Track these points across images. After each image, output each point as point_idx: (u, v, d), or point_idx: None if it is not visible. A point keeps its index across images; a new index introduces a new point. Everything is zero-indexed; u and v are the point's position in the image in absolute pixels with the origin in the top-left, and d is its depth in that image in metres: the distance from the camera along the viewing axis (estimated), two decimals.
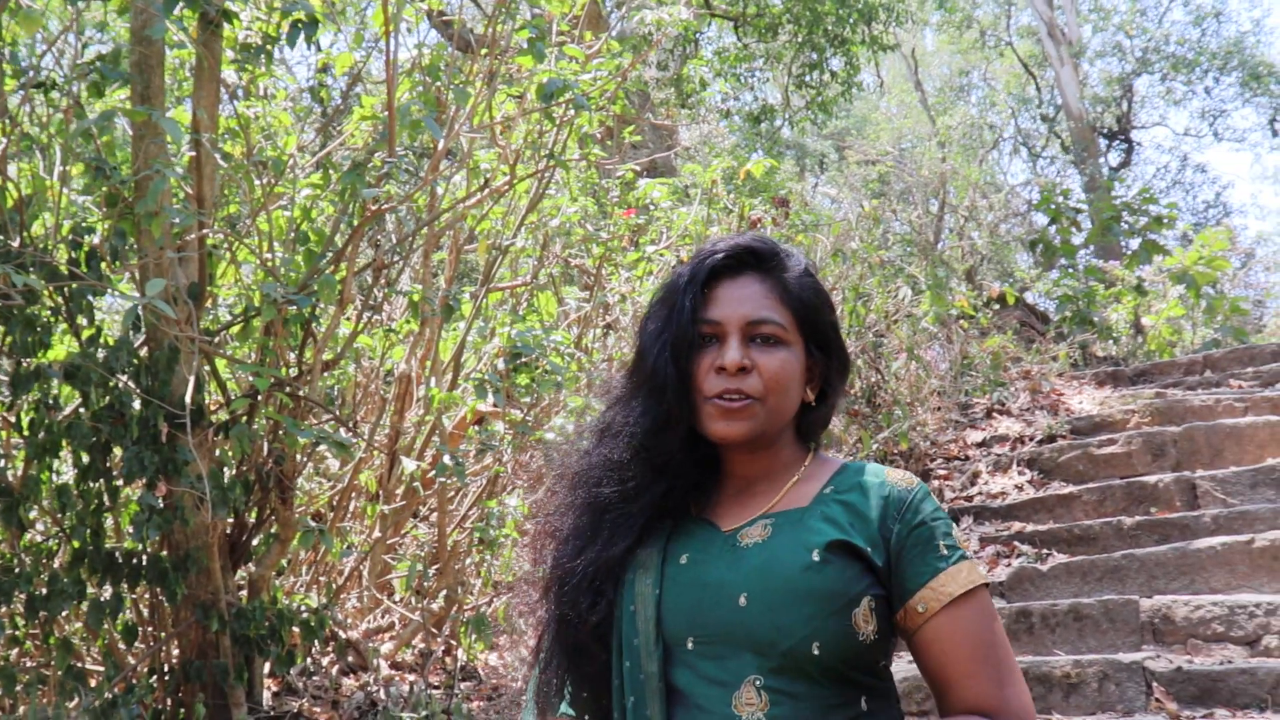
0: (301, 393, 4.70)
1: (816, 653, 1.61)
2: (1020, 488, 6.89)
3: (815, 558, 1.65)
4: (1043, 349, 10.02)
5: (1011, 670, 1.66)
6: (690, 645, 1.68)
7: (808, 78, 15.54)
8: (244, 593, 4.87)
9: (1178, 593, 5.11)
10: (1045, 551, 5.96)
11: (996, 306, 10.57)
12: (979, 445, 7.76)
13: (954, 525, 1.73)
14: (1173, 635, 4.80)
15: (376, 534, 5.65)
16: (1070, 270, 12.34)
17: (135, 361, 4.27)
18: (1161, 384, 8.46)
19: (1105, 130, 25.69)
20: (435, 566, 5.57)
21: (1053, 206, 12.61)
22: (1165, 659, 4.55)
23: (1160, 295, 11.41)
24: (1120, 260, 12.48)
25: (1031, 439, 7.57)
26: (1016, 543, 6.10)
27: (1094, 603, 5.03)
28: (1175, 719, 4.17)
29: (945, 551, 1.68)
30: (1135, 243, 12.08)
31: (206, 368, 4.67)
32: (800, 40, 14.73)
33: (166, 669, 4.66)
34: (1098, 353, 10.85)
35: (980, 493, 6.97)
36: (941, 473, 7.36)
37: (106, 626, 4.42)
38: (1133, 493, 6.25)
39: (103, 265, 4.32)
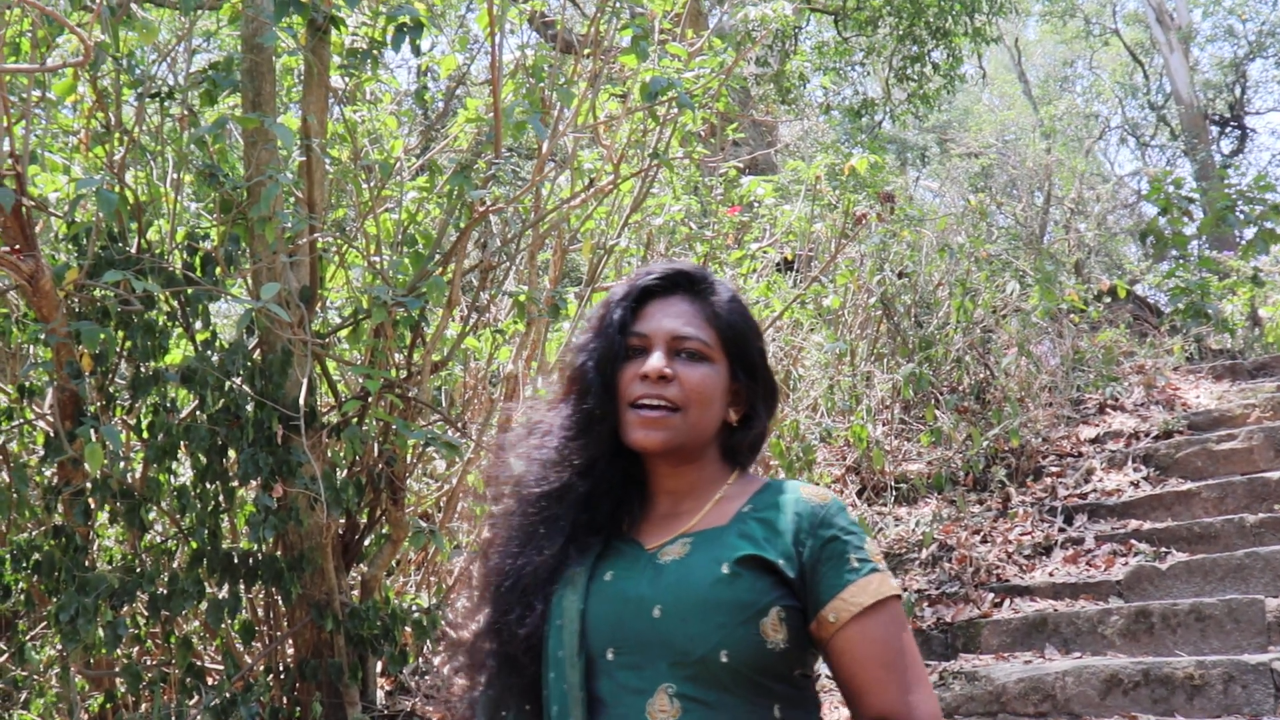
0: (411, 394, 4.74)
1: (725, 660, 1.68)
2: (1136, 485, 6.73)
3: (726, 571, 1.73)
4: (1156, 343, 9.79)
5: (919, 677, 1.73)
6: (610, 656, 1.75)
7: (909, 71, 15.36)
8: (356, 592, 4.92)
9: None
10: (1164, 550, 5.82)
11: (1107, 300, 10.34)
12: (1092, 442, 7.59)
13: (868, 539, 1.80)
14: None
15: (484, 534, 5.67)
16: (1183, 262, 12.04)
17: (249, 364, 4.35)
18: None
19: (1217, 117, 25.08)
20: None
21: (1163, 196, 12.30)
22: None
23: (1277, 286, 11.09)
24: (1235, 250, 12.14)
25: (1147, 435, 7.38)
26: (1134, 541, 5.97)
27: (1216, 602, 4.91)
28: None
29: (856, 564, 1.75)
30: (1251, 232, 11.74)
31: (318, 370, 4.73)
32: (901, 33, 14.58)
33: (283, 668, 4.73)
34: (1213, 346, 10.58)
35: (1094, 490, 6.82)
36: (1054, 469, 7.21)
37: (225, 626, 4.49)
38: (1255, 489, 6.08)
39: (217, 270, 4.41)
